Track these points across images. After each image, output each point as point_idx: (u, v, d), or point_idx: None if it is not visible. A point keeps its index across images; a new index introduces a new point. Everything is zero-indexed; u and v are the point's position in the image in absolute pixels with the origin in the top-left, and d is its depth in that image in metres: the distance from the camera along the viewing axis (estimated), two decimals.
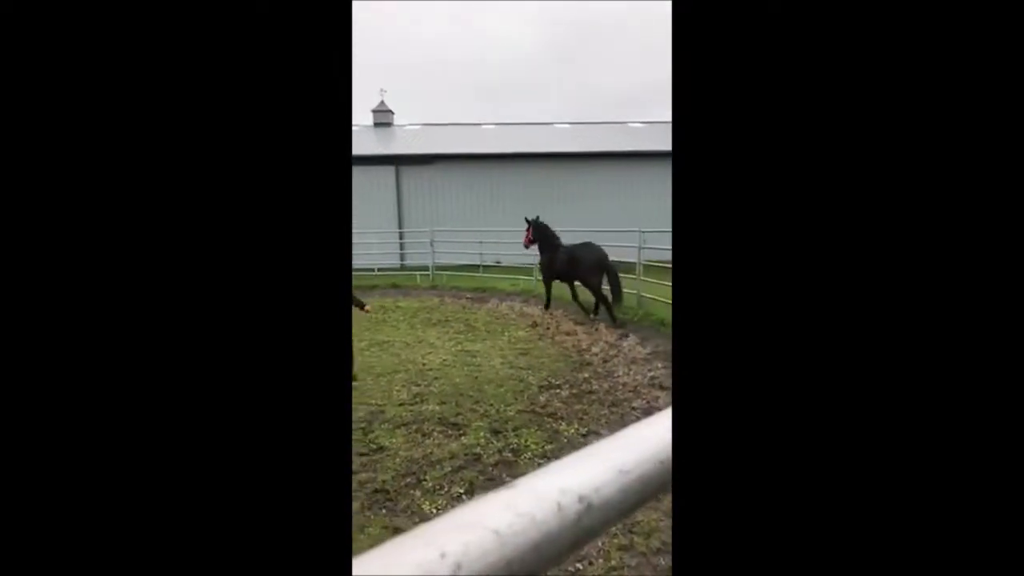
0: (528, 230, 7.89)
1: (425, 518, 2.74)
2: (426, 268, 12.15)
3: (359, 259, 13.38)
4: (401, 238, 14.48)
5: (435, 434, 3.74)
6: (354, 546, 2.56)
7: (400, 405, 4.30)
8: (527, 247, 8.12)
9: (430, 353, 5.87)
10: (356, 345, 6.22)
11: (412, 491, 3.02)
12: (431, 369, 5.25)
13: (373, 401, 4.40)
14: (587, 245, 7.28)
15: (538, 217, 7.98)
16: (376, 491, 3.03)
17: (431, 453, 3.45)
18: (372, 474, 3.20)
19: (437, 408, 4.21)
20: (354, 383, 4.85)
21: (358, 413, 4.14)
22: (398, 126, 18.74)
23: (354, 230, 15.96)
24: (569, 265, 7.22)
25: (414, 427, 3.86)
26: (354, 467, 3.28)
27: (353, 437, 3.70)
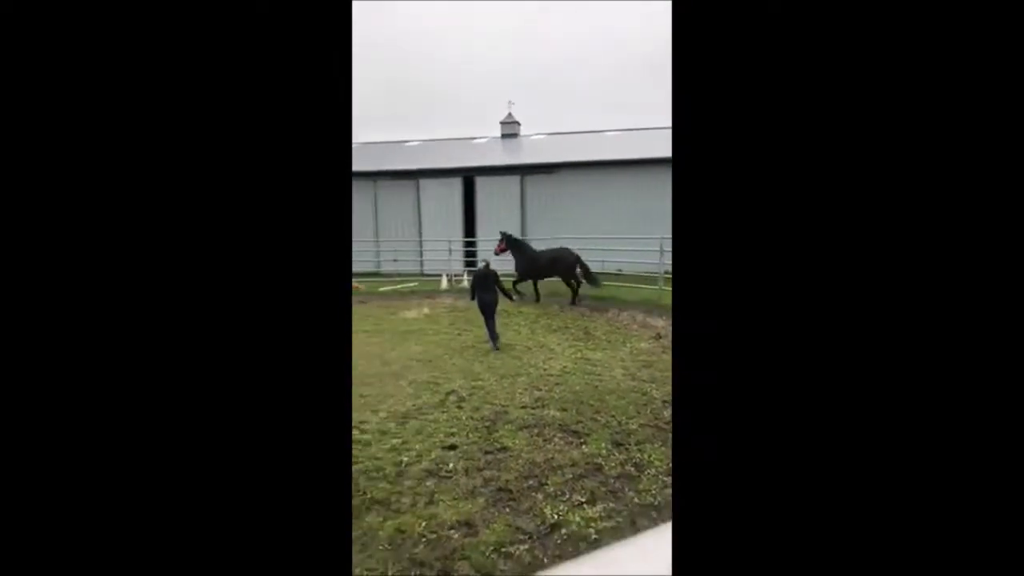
0: (501, 241, 10.13)
1: (547, 522, 2.77)
2: None
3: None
4: None
5: (556, 440, 3.77)
6: (481, 540, 2.66)
7: (522, 408, 4.40)
8: (498, 254, 10.11)
9: (551, 359, 5.94)
10: (483, 347, 6.49)
11: (534, 493, 3.08)
12: (552, 375, 5.31)
13: (497, 401, 4.56)
14: (563, 250, 9.79)
15: (506, 231, 10.51)
16: (499, 489, 3.13)
17: (552, 458, 3.48)
18: (496, 472, 3.32)
19: (558, 414, 4.24)
20: (479, 383, 5.06)
21: (482, 412, 4.31)
22: (524, 136, 19.27)
23: (480, 237, 16.60)
24: (551, 265, 9.59)
25: (535, 431, 3.93)
26: (479, 464, 3.43)
27: (477, 435, 3.86)
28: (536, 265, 9.75)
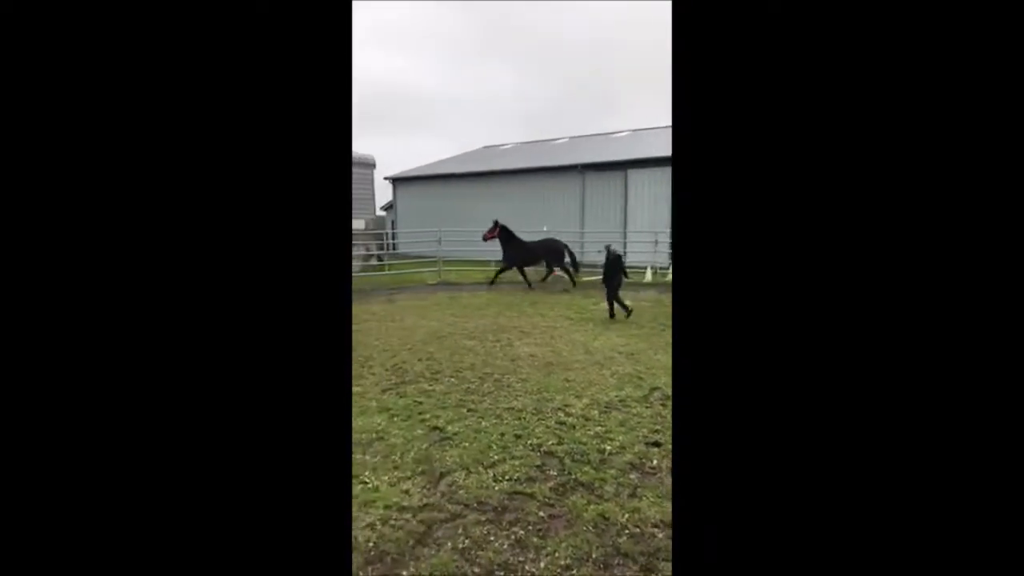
0: (493, 229, 11.10)
1: None
2: None
3: (634, 256, 13.19)
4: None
5: None
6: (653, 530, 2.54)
7: None
8: (486, 240, 11.25)
9: None
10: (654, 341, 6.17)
11: None
12: None
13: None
14: (551, 239, 11.22)
15: (498, 220, 11.41)
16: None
17: None
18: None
19: None
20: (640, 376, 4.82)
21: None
22: None
23: (631, 230, 15.72)
24: (542, 251, 10.95)
25: None
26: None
27: None
28: (521, 252, 11.01)
